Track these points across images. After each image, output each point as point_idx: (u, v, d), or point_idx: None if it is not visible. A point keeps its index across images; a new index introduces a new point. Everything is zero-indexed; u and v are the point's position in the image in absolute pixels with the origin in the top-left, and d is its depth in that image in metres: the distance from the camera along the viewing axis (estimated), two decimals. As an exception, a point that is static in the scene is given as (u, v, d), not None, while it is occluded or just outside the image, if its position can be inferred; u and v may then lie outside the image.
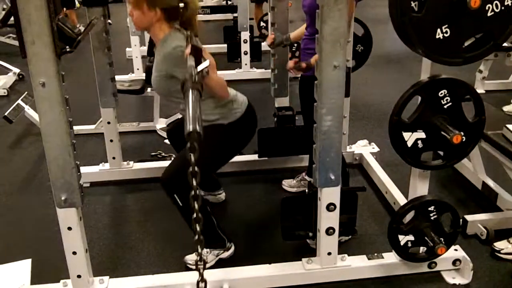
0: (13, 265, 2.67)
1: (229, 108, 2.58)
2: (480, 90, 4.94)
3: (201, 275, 1.77)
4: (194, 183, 1.63)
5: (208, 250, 2.62)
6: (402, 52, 6.19)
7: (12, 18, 2.05)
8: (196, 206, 1.62)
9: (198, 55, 2.18)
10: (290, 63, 2.79)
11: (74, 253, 2.22)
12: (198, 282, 1.77)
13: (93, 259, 2.46)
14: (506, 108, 4.45)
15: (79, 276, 2.28)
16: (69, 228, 2.16)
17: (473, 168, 3.23)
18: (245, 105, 2.65)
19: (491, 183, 3.12)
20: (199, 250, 1.68)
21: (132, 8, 2.45)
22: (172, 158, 3.65)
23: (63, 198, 2.08)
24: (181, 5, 2.48)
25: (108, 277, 2.40)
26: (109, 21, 3.10)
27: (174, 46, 2.37)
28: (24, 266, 2.65)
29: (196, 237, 1.67)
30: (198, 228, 1.65)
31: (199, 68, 2.08)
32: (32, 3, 1.77)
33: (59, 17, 1.91)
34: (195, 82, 1.94)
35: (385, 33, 7.34)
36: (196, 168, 1.62)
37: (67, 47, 1.95)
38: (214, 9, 6.87)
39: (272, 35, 3.22)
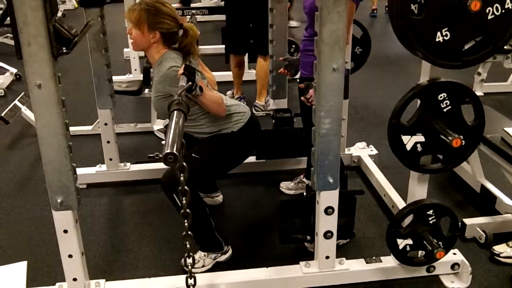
0: (9, 268, 2.65)
1: (229, 120, 2.59)
2: (478, 93, 4.93)
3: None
4: (184, 201, 1.72)
5: (205, 253, 2.61)
6: (401, 54, 6.17)
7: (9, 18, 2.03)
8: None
9: (190, 75, 2.21)
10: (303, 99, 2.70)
11: (70, 256, 2.20)
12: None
13: (90, 261, 2.44)
14: None
15: (75, 279, 2.25)
16: (65, 231, 2.14)
17: (471, 171, 3.22)
18: (248, 116, 2.65)
19: (490, 186, 3.10)
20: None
21: (131, 27, 2.51)
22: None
23: (59, 200, 2.06)
24: (180, 32, 2.54)
25: (104, 280, 2.38)
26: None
27: (169, 66, 2.41)
28: (20, 269, 2.63)
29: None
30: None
31: (181, 90, 2.11)
32: (27, 4, 1.75)
33: (56, 18, 1.89)
34: (180, 103, 1.98)
35: (384, 34, 7.35)
36: (186, 187, 1.75)
37: (64, 48, 1.93)
38: (212, 10, 6.83)
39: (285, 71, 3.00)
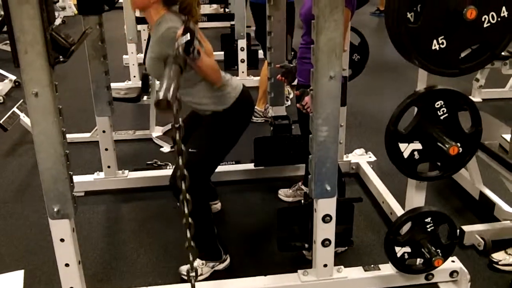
0: (5, 276, 2.63)
1: (222, 92, 2.52)
2: (477, 99, 4.94)
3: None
4: (180, 162, 1.66)
5: (203, 262, 2.60)
6: (399, 60, 6.15)
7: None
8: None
9: (190, 37, 2.13)
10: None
11: (67, 265, 2.19)
12: None
13: (87, 270, 2.43)
14: None
15: (71, 288, 2.25)
16: (62, 240, 2.13)
17: (470, 177, 3.21)
18: (240, 89, 2.59)
19: (488, 192, 3.10)
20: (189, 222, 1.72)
21: None
22: (168, 167, 3.65)
23: (55, 209, 2.06)
24: None
25: (101, 288, 2.38)
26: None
27: (168, 27, 2.33)
28: (16, 277, 2.61)
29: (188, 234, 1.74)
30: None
31: (182, 41, 2.06)
32: (25, 12, 1.75)
33: (53, 26, 1.89)
34: (177, 56, 1.93)
35: (382, 41, 7.35)
36: (183, 152, 1.67)
37: (61, 57, 1.93)
38: (211, 17, 6.85)
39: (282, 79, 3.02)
